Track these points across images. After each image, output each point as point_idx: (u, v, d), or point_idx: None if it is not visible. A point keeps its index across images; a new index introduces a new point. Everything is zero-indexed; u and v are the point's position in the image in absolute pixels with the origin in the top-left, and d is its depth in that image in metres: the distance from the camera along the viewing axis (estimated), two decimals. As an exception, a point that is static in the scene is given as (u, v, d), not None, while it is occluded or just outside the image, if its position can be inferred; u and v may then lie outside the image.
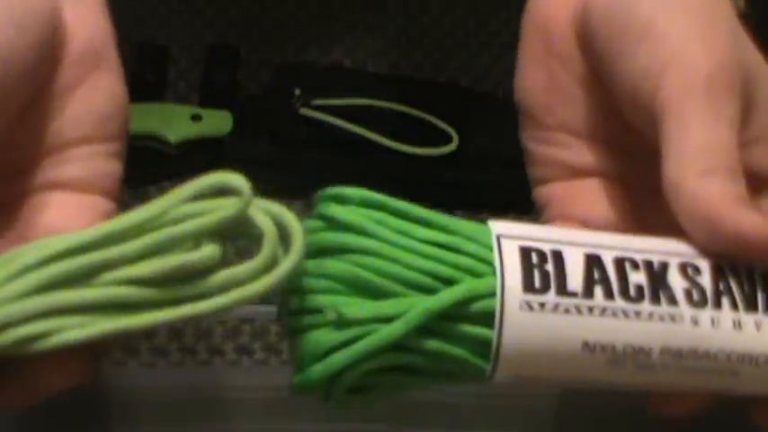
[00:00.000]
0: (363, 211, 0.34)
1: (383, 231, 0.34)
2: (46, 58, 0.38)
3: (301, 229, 0.35)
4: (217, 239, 0.36)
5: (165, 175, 0.63)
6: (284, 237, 0.36)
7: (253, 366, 0.57)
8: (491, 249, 0.34)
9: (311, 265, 0.35)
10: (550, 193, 0.43)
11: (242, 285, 0.35)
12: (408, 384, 0.35)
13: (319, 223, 0.36)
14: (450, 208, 0.64)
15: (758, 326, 0.34)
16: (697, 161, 0.35)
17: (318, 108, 0.62)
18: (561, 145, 0.42)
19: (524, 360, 0.33)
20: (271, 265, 0.35)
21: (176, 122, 0.62)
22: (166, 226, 0.35)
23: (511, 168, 0.65)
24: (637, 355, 0.33)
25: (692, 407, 0.37)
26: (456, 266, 0.33)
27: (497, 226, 0.35)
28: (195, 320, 0.36)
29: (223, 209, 0.36)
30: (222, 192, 0.37)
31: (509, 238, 0.34)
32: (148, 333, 0.57)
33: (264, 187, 0.63)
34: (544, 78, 0.42)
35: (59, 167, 0.39)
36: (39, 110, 0.39)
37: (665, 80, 0.36)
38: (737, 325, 0.33)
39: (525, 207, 0.65)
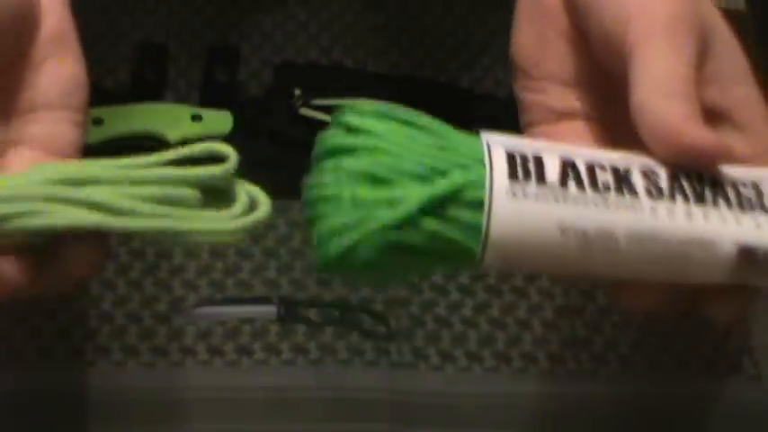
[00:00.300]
0: (376, 120, 0.41)
1: (392, 136, 0.40)
2: (24, 30, 0.44)
3: (268, 202, 0.44)
4: (198, 192, 0.42)
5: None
6: (253, 206, 0.44)
7: (252, 366, 0.57)
8: (482, 151, 0.40)
9: (330, 163, 0.41)
10: (539, 133, 0.48)
11: (209, 221, 0.42)
12: (411, 265, 0.41)
13: (337, 130, 0.41)
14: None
15: (706, 217, 0.39)
16: (659, 87, 0.41)
17: (319, 108, 0.62)
18: (548, 92, 0.48)
19: (510, 244, 0.39)
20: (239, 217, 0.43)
21: (176, 122, 0.62)
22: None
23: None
24: (605, 241, 0.38)
25: (653, 300, 0.42)
26: (452, 163, 0.39)
27: (487, 135, 0.41)
28: (158, 238, 0.42)
29: (210, 168, 0.42)
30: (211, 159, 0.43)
31: (497, 143, 0.40)
32: (148, 333, 0.57)
33: (264, 187, 0.64)
34: (534, 35, 0.48)
35: (26, 126, 0.44)
36: (11, 78, 0.44)
37: (631, 26, 0.43)
38: (689, 215, 0.39)
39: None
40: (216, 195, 0.43)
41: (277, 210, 0.63)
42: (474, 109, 0.65)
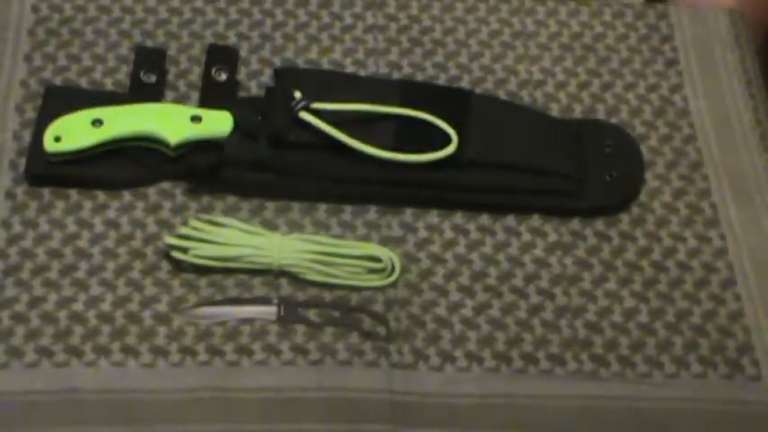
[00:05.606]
0: None
1: None
2: None
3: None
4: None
5: (164, 176, 0.63)
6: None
7: (253, 366, 0.57)
8: None
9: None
10: None
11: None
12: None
13: None
14: (450, 209, 0.64)
15: None
16: None
17: (318, 113, 0.61)
18: None
19: None
20: None
21: (176, 123, 0.62)
22: None
23: (510, 170, 0.65)
24: None
25: None
26: None
27: None
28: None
29: None
30: None
31: None
32: (148, 333, 0.57)
33: (264, 189, 0.64)
34: None
35: None
36: None
37: None
38: None
39: (525, 208, 0.65)
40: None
41: (277, 210, 0.64)
42: (474, 110, 0.65)
